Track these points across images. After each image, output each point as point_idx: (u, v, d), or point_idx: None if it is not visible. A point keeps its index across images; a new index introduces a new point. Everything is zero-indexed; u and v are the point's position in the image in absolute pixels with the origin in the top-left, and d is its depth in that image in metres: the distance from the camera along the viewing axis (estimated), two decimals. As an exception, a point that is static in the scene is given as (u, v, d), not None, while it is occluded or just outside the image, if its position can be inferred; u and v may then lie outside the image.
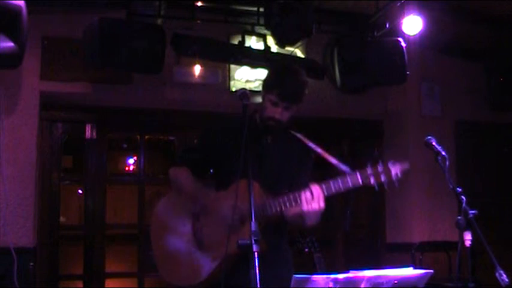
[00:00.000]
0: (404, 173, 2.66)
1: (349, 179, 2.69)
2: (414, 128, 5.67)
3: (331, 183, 2.72)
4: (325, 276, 2.18)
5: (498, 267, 2.36)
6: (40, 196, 4.82)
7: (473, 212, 2.49)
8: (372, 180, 2.66)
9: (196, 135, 5.00)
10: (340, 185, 2.70)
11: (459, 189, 2.56)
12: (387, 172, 2.66)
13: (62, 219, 5.61)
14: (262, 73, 5.12)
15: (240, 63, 5.02)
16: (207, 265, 2.84)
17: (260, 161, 2.92)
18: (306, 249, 4.35)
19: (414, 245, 5.31)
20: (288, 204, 2.75)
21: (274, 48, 4.97)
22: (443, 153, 2.68)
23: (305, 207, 2.69)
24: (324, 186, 2.71)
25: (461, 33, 5.39)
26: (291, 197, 2.74)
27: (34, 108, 4.68)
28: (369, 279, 2.18)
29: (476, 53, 5.70)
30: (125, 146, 7.78)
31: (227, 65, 5.10)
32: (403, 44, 4.83)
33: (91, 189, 5.22)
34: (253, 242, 2.30)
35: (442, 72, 5.81)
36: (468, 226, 2.47)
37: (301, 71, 3.03)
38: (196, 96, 5.13)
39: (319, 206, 2.69)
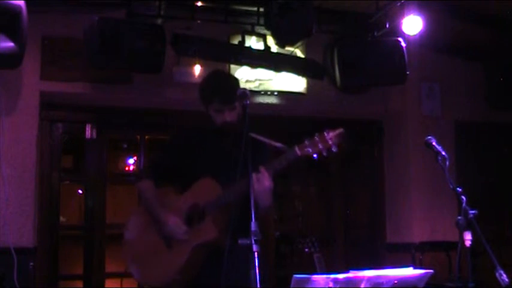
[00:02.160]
0: (340, 136, 2.84)
1: (289, 153, 2.88)
2: (414, 128, 5.67)
3: (275, 161, 2.91)
4: (325, 276, 2.18)
5: (498, 267, 2.36)
6: (40, 196, 4.82)
7: (473, 212, 2.49)
8: (310, 150, 2.82)
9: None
10: (282, 160, 2.89)
11: (459, 189, 2.56)
12: (323, 140, 2.81)
13: (62, 219, 5.61)
14: (262, 73, 5.12)
15: (240, 63, 5.02)
16: (176, 261, 2.96)
17: (216, 161, 3.07)
18: (306, 249, 4.35)
19: (414, 245, 5.31)
20: (238, 190, 2.85)
21: (274, 48, 4.97)
22: (443, 153, 2.69)
23: (254, 187, 2.76)
24: (268, 166, 2.88)
25: (461, 33, 5.39)
26: (237, 185, 2.84)
27: (34, 108, 4.68)
28: (369, 279, 2.18)
29: (476, 53, 5.70)
30: (125, 146, 7.77)
31: (227, 65, 5.09)
32: (403, 44, 4.83)
33: (91, 189, 5.22)
34: (253, 242, 2.30)
35: (442, 72, 5.81)
36: (468, 226, 2.47)
37: (226, 72, 3.41)
38: (196, 96, 5.10)
39: (264, 185, 2.83)
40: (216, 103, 3.02)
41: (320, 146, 2.81)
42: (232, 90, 3.00)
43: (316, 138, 2.82)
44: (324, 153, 2.82)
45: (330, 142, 2.80)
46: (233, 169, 2.95)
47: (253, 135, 3.06)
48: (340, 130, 2.86)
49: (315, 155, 2.81)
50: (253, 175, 2.78)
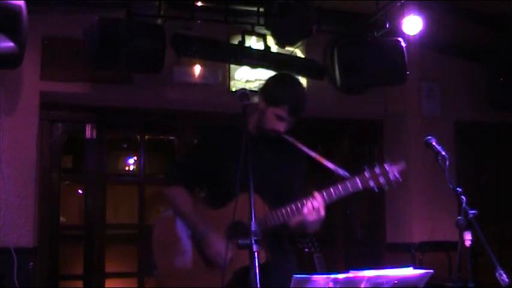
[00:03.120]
0: (402, 173, 2.69)
1: (349, 184, 2.72)
2: (414, 128, 5.67)
3: (332, 190, 2.73)
4: (325, 276, 2.18)
5: (498, 267, 2.36)
6: (40, 196, 4.82)
7: (473, 212, 2.49)
8: (372, 184, 2.69)
9: (196, 135, 5.04)
10: (341, 191, 2.72)
11: (459, 189, 2.55)
12: (385, 174, 2.68)
13: (62, 219, 5.61)
14: (262, 73, 5.12)
15: (240, 63, 5.02)
16: (217, 282, 2.74)
17: (257, 171, 2.78)
18: (306, 249, 4.35)
19: (414, 245, 5.31)
20: (290, 215, 2.75)
21: (274, 48, 4.97)
22: (443, 153, 2.68)
23: (307, 217, 2.70)
24: (325, 195, 2.73)
25: (461, 33, 5.39)
26: (293, 207, 2.74)
27: (34, 108, 4.68)
28: (369, 279, 2.18)
29: (476, 53, 5.70)
30: (125, 146, 7.77)
31: (227, 65, 5.10)
32: (403, 44, 4.83)
33: (91, 189, 5.22)
34: (253, 242, 2.30)
35: (442, 72, 5.81)
36: (468, 226, 2.47)
37: (301, 82, 3.04)
38: (196, 96, 5.13)
39: (319, 215, 2.71)
40: (283, 110, 2.84)
41: (381, 179, 2.68)
42: (305, 104, 2.90)
43: (377, 171, 2.69)
44: (385, 188, 2.69)
45: (392, 177, 2.68)
46: (271, 181, 2.86)
47: (292, 140, 2.94)
48: (402, 164, 2.72)
49: (376, 189, 2.69)
50: (308, 201, 2.69)
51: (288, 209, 2.75)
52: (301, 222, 2.76)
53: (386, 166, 2.69)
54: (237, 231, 2.73)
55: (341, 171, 2.77)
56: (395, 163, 2.71)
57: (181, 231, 2.98)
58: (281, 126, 2.88)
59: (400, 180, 2.69)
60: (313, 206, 2.70)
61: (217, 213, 2.91)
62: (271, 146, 2.97)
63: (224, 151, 2.91)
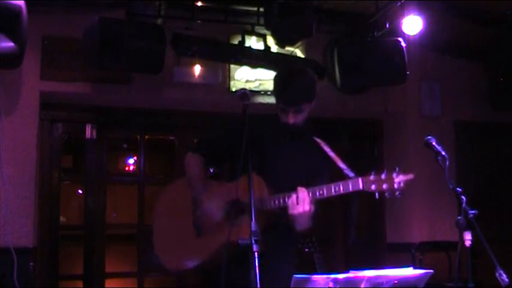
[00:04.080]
0: (408, 183, 2.62)
1: (350, 184, 2.70)
2: (414, 128, 5.67)
3: (325, 187, 2.72)
4: (325, 276, 2.18)
5: (498, 267, 2.36)
6: (40, 196, 4.81)
7: (473, 212, 2.49)
8: (373, 187, 2.66)
9: (196, 135, 5.04)
10: (341, 188, 2.70)
11: (459, 189, 2.55)
12: (390, 181, 2.64)
13: (62, 219, 5.61)
14: (262, 73, 5.12)
15: (240, 63, 5.02)
16: (201, 252, 2.89)
17: (276, 160, 2.95)
18: (306, 249, 4.35)
19: (414, 245, 5.30)
20: (277, 203, 2.77)
21: (274, 48, 4.97)
22: (443, 153, 2.68)
23: (290, 210, 2.71)
24: (311, 190, 2.72)
25: (461, 33, 5.39)
26: (281, 197, 2.76)
27: (34, 108, 4.68)
28: (369, 279, 2.18)
29: (476, 53, 5.70)
30: (125, 146, 7.78)
31: (227, 65, 5.10)
32: (403, 44, 4.83)
33: (91, 189, 5.22)
34: (253, 242, 2.30)
35: (442, 72, 5.81)
36: (468, 226, 2.47)
37: (304, 71, 3.09)
38: (196, 96, 5.13)
39: (303, 209, 2.70)
40: (280, 102, 2.94)
41: (385, 186, 2.63)
42: (301, 92, 2.94)
43: (383, 177, 2.64)
44: (387, 195, 2.64)
45: (397, 186, 2.62)
46: (287, 172, 2.91)
47: (321, 142, 2.98)
48: (410, 176, 2.64)
49: (377, 194, 2.66)
50: (294, 195, 2.71)
51: (280, 197, 2.77)
52: (291, 216, 2.76)
53: (393, 173, 2.64)
54: (234, 207, 2.82)
55: (350, 172, 2.75)
56: (404, 173, 2.65)
57: (185, 196, 3.05)
58: (288, 118, 2.92)
59: (404, 190, 2.62)
60: (297, 200, 2.69)
61: (221, 187, 2.99)
62: (296, 141, 3.02)
63: (252, 137, 2.90)
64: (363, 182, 2.68)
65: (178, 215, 3.05)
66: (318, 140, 3.01)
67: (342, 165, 2.82)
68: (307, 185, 2.79)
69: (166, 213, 3.12)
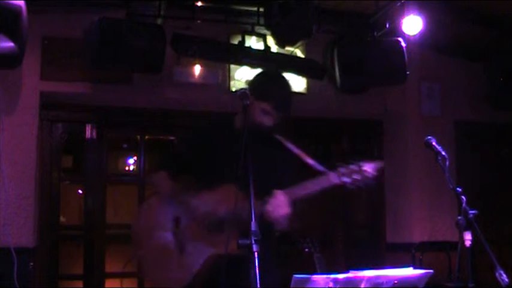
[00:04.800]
0: (378, 170, 2.71)
1: (324, 180, 2.75)
2: (414, 128, 5.67)
3: (301, 187, 2.78)
4: (325, 276, 2.19)
5: (498, 267, 2.36)
6: (40, 196, 4.82)
7: (473, 212, 2.49)
8: (346, 179, 2.70)
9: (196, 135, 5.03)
10: (316, 185, 2.75)
11: (459, 189, 2.55)
12: (360, 170, 2.70)
13: (62, 219, 5.61)
14: (262, 73, 5.11)
15: (240, 63, 5.02)
16: (188, 269, 2.87)
17: (249, 165, 2.92)
18: (306, 249, 4.35)
19: (414, 245, 5.30)
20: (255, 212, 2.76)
21: (274, 48, 4.97)
22: (443, 153, 2.69)
23: (270, 214, 2.73)
24: (288, 192, 2.75)
25: (461, 33, 5.39)
26: (258, 205, 2.70)
27: (34, 108, 4.68)
28: (369, 279, 2.18)
29: (476, 53, 5.70)
30: (125, 146, 7.77)
31: (227, 65, 5.09)
32: (403, 44, 4.83)
33: (91, 189, 5.22)
34: (253, 242, 2.30)
35: (442, 72, 5.81)
36: (468, 226, 2.47)
37: (288, 81, 3.11)
38: (196, 96, 5.13)
39: (283, 212, 2.74)
40: (268, 105, 2.90)
41: (356, 176, 2.68)
42: (290, 101, 2.96)
43: (352, 167, 2.69)
44: (361, 185, 2.69)
45: (367, 174, 2.68)
46: (259, 176, 2.83)
47: (282, 139, 2.98)
48: (378, 163, 2.73)
49: (352, 186, 2.70)
50: (271, 199, 2.73)
51: (257, 207, 2.75)
52: (269, 218, 2.78)
53: (361, 163, 2.71)
54: (216, 224, 2.83)
55: (319, 167, 2.79)
56: (372, 161, 2.73)
57: (161, 214, 3.05)
58: (267, 120, 2.92)
59: (376, 177, 2.69)
60: (276, 204, 2.73)
61: (199, 197, 2.96)
62: (260, 142, 2.95)
63: (215, 145, 3.01)
64: (335, 175, 2.72)
65: (158, 234, 3.02)
66: (280, 138, 3.00)
67: (309, 160, 2.85)
68: (280, 186, 2.82)
69: (146, 236, 3.08)
